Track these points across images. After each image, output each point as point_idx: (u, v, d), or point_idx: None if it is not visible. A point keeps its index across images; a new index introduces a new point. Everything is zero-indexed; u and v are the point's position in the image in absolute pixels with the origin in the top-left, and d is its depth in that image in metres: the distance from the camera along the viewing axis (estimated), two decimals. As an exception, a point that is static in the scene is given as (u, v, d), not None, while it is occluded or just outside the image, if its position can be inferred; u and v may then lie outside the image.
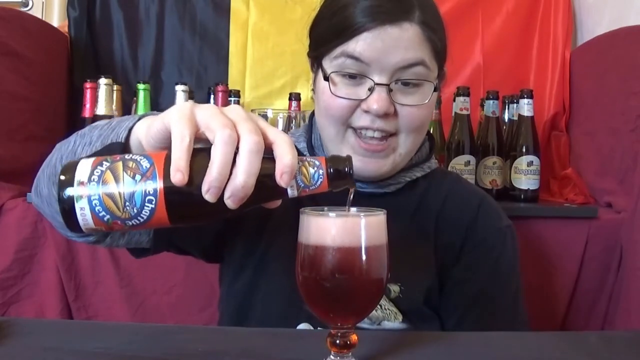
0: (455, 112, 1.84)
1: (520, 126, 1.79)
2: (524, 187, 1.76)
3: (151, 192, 0.62)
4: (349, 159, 0.67)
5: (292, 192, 0.65)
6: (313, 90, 1.07)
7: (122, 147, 0.74)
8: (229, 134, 0.62)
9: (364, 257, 0.68)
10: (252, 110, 1.90)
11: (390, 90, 0.95)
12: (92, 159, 0.64)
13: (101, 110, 1.73)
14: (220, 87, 1.84)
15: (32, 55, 1.80)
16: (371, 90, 0.95)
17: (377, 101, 0.94)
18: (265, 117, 1.83)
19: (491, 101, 1.83)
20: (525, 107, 1.77)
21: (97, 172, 0.63)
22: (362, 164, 0.99)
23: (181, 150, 0.61)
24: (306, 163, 0.66)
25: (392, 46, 0.94)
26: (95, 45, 2.11)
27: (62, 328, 0.87)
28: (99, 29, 2.12)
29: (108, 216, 0.63)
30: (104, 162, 0.64)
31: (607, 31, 1.83)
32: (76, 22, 2.07)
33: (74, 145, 0.82)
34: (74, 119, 1.95)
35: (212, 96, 1.92)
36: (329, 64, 0.98)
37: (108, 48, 2.13)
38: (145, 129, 0.70)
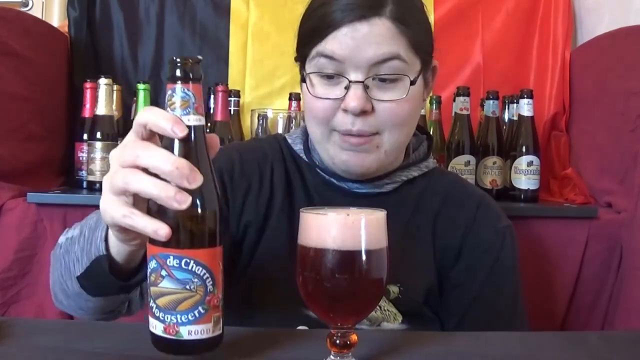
0: (455, 112, 1.84)
1: (520, 126, 1.79)
2: (524, 187, 1.76)
3: (186, 263, 0.64)
4: (171, 60, 0.66)
5: (194, 121, 0.65)
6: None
7: (108, 258, 0.80)
8: (132, 175, 0.64)
9: (364, 257, 0.68)
10: (252, 110, 1.90)
11: (366, 87, 0.95)
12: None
13: (101, 110, 1.73)
14: (220, 87, 1.84)
15: (32, 55, 1.80)
16: (347, 88, 0.95)
17: (353, 99, 0.94)
18: (265, 117, 1.83)
19: (491, 101, 1.83)
20: (525, 107, 1.77)
21: (153, 317, 0.66)
22: (347, 158, 0.99)
23: (141, 222, 0.65)
24: (168, 103, 0.65)
25: (363, 42, 0.94)
26: (95, 45, 2.11)
27: (62, 328, 0.87)
28: (99, 29, 2.12)
29: (200, 310, 0.64)
30: (151, 303, 0.66)
31: (607, 31, 1.83)
32: (76, 22, 2.07)
33: (66, 263, 0.88)
34: (74, 119, 1.95)
35: (212, 96, 1.92)
36: (308, 66, 0.99)
37: (108, 48, 2.13)
38: (114, 237, 0.76)
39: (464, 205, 1.07)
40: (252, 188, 1.05)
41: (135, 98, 1.87)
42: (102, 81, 1.73)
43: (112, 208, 0.67)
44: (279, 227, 1.03)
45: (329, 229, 0.68)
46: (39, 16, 2.21)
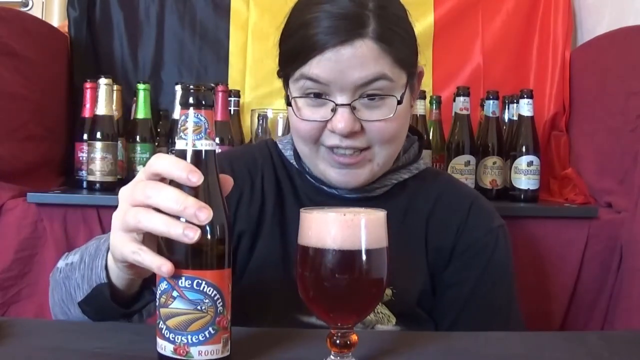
0: (455, 112, 1.84)
1: (520, 126, 1.78)
2: (524, 187, 1.76)
3: (198, 284, 0.65)
4: (184, 87, 0.68)
5: (206, 145, 0.67)
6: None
7: (109, 286, 0.81)
8: (144, 214, 0.67)
9: (364, 257, 0.68)
10: (252, 110, 1.90)
11: (353, 108, 0.95)
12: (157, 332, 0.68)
13: (101, 110, 1.72)
14: (220, 87, 1.84)
15: (32, 55, 1.80)
16: (334, 110, 0.95)
17: (340, 121, 0.94)
18: (265, 117, 1.83)
19: (491, 101, 1.83)
20: (525, 107, 1.77)
21: (162, 338, 0.66)
22: (339, 177, 0.99)
23: (148, 259, 0.67)
24: (181, 128, 0.67)
25: (347, 66, 0.93)
26: (95, 45, 2.11)
27: (62, 328, 0.87)
28: (99, 29, 2.11)
29: (210, 331, 0.65)
30: (160, 325, 0.67)
31: (607, 31, 1.83)
32: (76, 22, 2.06)
33: (67, 289, 0.90)
34: (74, 119, 1.95)
35: (212, 96, 1.92)
36: (293, 87, 0.99)
37: (108, 48, 2.12)
38: (116, 267, 0.78)
39: (457, 206, 1.07)
40: (243, 197, 1.06)
41: (135, 98, 1.87)
42: (102, 81, 1.73)
43: (123, 245, 0.70)
44: (271, 234, 1.04)
45: (329, 228, 0.68)
46: (39, 16, 2.21)
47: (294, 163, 1.08)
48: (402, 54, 0.97)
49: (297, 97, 0.98)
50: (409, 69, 0.99)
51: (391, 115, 0.96)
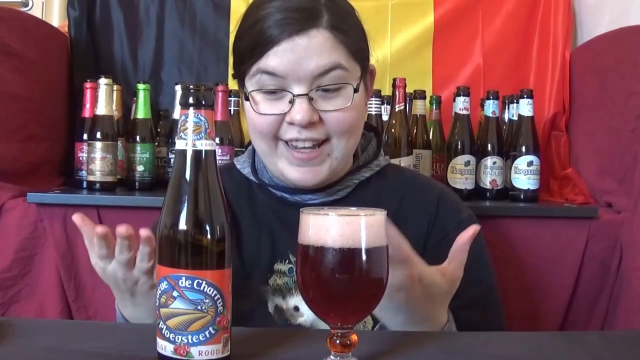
0: (455, 112, 1.84)
1: (520, 126, 1.78)
2: (524, 187, 1.76)
3: (198, 284, 0.65)
4: (184, 87, 0.68)
5: (206, 145, 0.67)
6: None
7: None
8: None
9: (364, 257, 0.68)
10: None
11: (311, 99, 0.95)
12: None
13: (101, 110, 1.72)
14: (220, 87, 1.84)
15: (32, 55, 1.80)
16: (292, 102, 0.96)
17: (299, 112, 0.95)
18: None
19: (491, 101, 1.83)
20: (525, 107, 1.77)
21: (163, 338, 0.66)
22: (299, 175, 0.99)
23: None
24: (181, 128, 0.67)
25: (304, 55, 0.94)
26: (95, 45, 2.11)
27: (62, 328, 0.87)
28: (99, 29, 2.12)
29: (210, 331, 0.65)
30: (160, 325, 0.67)
31: (607, 31, 1.83)
32: (76, 22, 2.07)
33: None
34: (74, 119, 1.95)
35: (212, 96, 1.92)
36: (249, 83, 0.99)
37: (108, 48, 2.12)
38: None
39: (424, 202, 1.07)
40: None
41: (135, 98, 1.87)
42: (102, 81, 1.73)
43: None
44: (250, 254, 1.03)
45: (329, 229, 0.68)
46: (39, 16, 2.21)
47: (254, 179, 1.07)
48: (356, 46, 0.99)
49: (254, 90, 0.98)
50: (362, 62, 1.01)
51: (348, 104, 0.97)
